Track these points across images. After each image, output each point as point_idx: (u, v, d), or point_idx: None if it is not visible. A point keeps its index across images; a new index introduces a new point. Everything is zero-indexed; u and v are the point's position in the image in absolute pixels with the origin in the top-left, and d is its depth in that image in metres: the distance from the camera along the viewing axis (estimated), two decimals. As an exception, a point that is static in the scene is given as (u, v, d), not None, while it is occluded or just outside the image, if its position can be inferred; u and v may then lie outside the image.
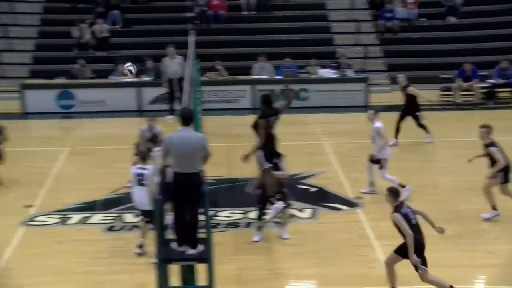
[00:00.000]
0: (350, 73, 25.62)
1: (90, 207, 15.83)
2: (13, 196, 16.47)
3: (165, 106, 23.63)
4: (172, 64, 23.48)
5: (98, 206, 15.76)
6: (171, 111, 22.85)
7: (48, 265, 12.95)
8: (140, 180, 12.84)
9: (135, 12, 30.57)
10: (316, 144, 20.57)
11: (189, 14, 29.81)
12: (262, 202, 13.72)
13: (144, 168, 12.92)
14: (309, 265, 12.90)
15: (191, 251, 9.67)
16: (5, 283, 12.37)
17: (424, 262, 11.01)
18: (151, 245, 12.71)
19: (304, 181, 17.08)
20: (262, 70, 25.47)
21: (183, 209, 9.66)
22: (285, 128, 20.08)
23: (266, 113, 14.14)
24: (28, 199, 16.16)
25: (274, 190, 13.63)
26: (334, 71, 25.64)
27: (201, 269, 9.79)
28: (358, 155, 17.63)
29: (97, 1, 30.14)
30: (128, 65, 16.92)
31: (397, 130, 19.56)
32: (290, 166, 14.05)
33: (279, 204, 13.59)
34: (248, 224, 14.57)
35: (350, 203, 15.72)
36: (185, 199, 9.64)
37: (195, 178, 9.66)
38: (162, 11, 30.55)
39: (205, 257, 9.57)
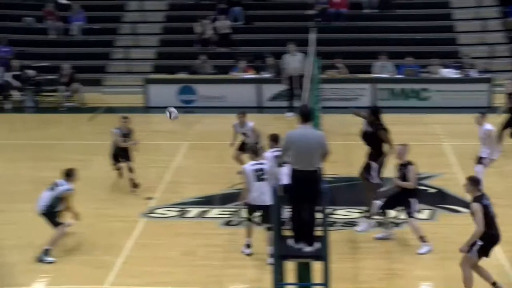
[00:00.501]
0: (473, 73, 25.06)
1: (208, 201, 16.08)
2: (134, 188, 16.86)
3: (285, 103, 23.75)
4: (293, 61, 23.57)
5: (216, 200, 15.97)
6: (291, 108, 22.93)
7: (167, 256, 13.24)
8: (259, 175, 12.66)
9: (257, 8, 30.76)
10: (436, 144, 20.25)
11: (310, 12, 29.79)
12: (386, 202, 13.67)
13: (261, 163, 12.79)
14: (425, 266, 12.76)
15: (307, 249, 9.64)
16: (126, 271, 12.73)
17: (484, 253, 10.99)
18: (258, 241, 12.84)
19: (422, 181, 16.80)
20: (383, 68, 25.25)
21: (301, 206, 9.66)
22: (405, 128, 19.95)
23: (382, 123, 14.29)
24: (149, 191, 16.54)
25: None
26: (456, 71, 25.15)
27: (316, 267, 9.78)
28: (479, 157, 17.22)
29: (220, -3, 30.53)
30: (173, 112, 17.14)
31: (499, 137, 18.80)
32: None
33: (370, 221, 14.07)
34: (365, 224, 14.49)
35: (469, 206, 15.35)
36: (303, 196, 9.63)
37: (313, 175, 9.62)
38: (283, 8, 30.62)
39: (321, 255, 9.54)
